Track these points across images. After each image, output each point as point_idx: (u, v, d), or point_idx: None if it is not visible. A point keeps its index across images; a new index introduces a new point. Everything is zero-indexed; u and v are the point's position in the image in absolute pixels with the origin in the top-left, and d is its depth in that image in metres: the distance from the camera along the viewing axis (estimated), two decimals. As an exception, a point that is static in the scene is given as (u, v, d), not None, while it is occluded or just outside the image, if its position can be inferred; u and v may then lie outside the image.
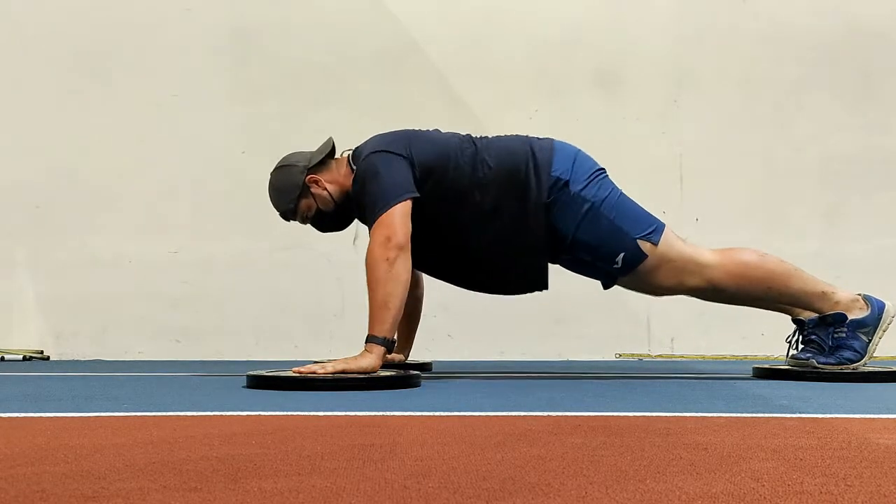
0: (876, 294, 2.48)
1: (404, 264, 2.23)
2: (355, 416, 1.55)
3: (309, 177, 2.48)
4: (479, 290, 2.63)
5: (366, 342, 2.22)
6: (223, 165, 4.07)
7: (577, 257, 2.47)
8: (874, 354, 2.44)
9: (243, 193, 3.95)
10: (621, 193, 2.45)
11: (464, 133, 2.52)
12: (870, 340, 2.42)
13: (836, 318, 2.42)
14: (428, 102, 4.10)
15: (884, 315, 2.43)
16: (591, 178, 2.42)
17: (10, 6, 4.24)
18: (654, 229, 2.42)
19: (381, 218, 2.26)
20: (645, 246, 2.39)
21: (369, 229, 2.35)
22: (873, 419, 1.55)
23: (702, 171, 4.05)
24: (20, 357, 3.93)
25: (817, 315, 2.44)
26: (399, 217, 2.26)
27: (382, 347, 2.21)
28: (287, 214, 2.56)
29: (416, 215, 2.31)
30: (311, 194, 2.49)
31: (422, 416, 1.58)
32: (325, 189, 2.48)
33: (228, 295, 4.09)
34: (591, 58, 4.12)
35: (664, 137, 4.07)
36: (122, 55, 4.19)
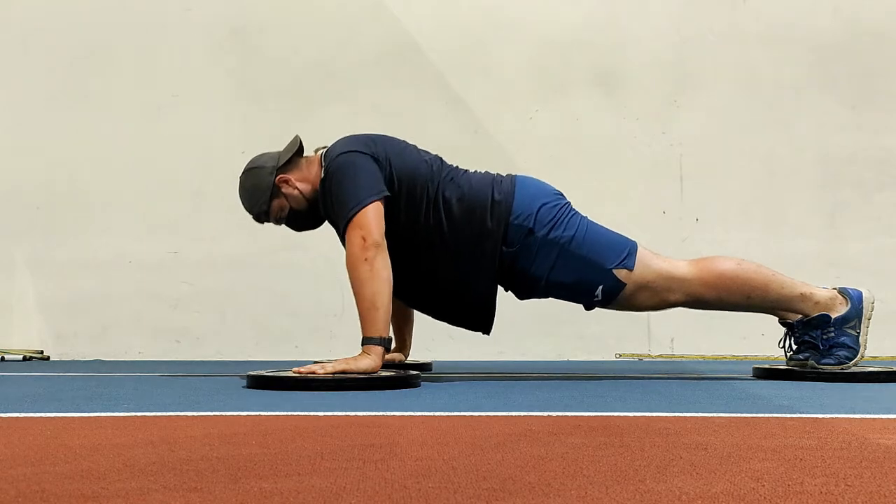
0: (876, 294, 2.48)
1: (384, 261, 2.23)
2: (355, 416, 1.55)
3: (279, 177, 2.46)
4: (421, 310, 2.60)
5: (362, 345, 2.22)
6: (223, 165, 4.06)
7: (554, 296, 2.48)
8: (868, 346, 2.44)
9: (243, 193, 3.94)
10: (589, 224, 2.42)
11: (433, 154, 2.49)
12: (859, 332, 2.42)
13: (821, 321, 2.42)
14: (428, 102, 4.10)
15: (864, 304, 2.43)
16: (556, 218, 2.39)
17: (10, 6, 4.24)
18: (628, 253, 2.39)
19: (354, 219, 2.25)
20: (621, 273, 2.38)
21: (339, 230, 2.34)
22: (873, 419, 1.54)
23: (702, 171, 4.05)
24: (20, 357, 3.93)
25: (802, 317, 2.44)
26: (373, 216, 2.25)
27: (380, 347, 2.21)
28: (261, 216, 2.53)
29: (386, 213, 2.30)
30: (282, 194, 2.47)
31: (422, 416, 1.58)
32: (297, 188, 2.46)
33: (228, 295, 4.09)
34: (591, 58, 4.12)
35: (664, 137, 4.07)
36: (122, 55, 4.20)
